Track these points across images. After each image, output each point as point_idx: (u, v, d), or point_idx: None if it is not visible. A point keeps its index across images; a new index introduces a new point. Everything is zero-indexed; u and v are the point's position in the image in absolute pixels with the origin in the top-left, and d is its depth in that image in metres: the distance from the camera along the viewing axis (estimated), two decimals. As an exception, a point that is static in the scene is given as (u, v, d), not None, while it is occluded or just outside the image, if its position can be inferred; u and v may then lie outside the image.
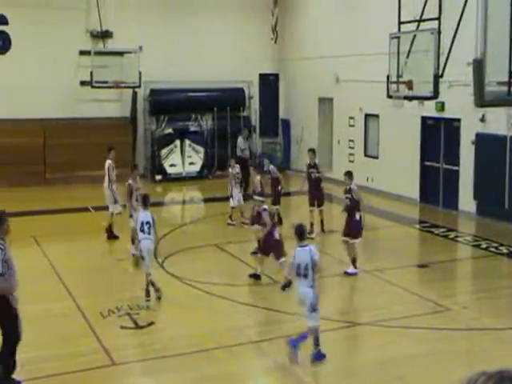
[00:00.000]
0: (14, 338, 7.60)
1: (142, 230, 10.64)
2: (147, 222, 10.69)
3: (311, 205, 15.04)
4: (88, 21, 22.32)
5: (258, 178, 14.82)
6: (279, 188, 15.59)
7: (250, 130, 22.08)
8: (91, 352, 8.57)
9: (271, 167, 15.81)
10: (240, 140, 20.08)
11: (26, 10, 21.55)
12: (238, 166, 16.13)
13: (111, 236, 14.59)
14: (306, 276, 8.31)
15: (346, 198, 12.39)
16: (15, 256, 13.74)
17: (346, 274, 11.90)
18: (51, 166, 21.64)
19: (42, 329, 9.60)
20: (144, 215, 10.80)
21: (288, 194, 18.83)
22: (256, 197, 12.91)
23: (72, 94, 22.16)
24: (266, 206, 12.16)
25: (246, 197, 15.87)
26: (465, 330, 9.54)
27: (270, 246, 11.62)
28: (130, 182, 13.58)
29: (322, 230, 15.06)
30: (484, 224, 15.89)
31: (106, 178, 14.92)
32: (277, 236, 11.66)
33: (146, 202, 11.00)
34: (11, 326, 7.58)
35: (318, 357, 8.34)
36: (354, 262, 11.98)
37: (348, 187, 12.43)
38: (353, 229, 12.13)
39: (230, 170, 16.15)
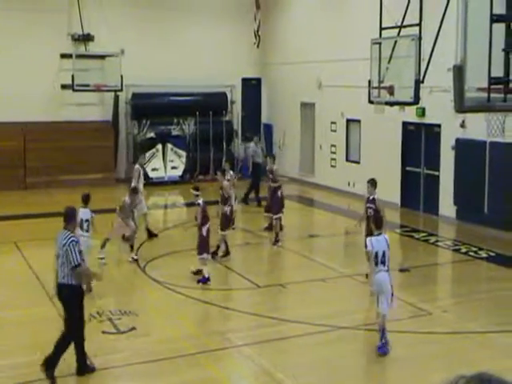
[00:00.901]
0: (79, 327, 8.06)
1: (81, 227, 10.98)
2: (86, 220, 11.21)
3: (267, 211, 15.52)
4: (69, 24, 22.24)
5: (226, 183, 14.24)
6: (279, 194, 14.91)
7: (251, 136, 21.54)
8: (72, 357, 8.50)
9: (224, 183, 13.86)
10: (252, 145, 19.95)
11: (7, 12, 21.40)
12: (231, 171, 15.45)
13: (151, 235, 15.04)
14: (383, 263, 8.92)
15: (369, 207, 11.60)
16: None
17: None
18: (32, 169, 21.47)
19: (22, 334, 9.53)
20: (83, 213, 11.12)
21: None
22: (193, 191, 12.10)
23: (53, 97, 22.04)
24: (200, 201, 11.94)
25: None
26: (445, 334, 9.61)
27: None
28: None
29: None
30: (464, 229, 16.04)
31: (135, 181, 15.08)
32: (204, 233, 11.74)
33: (86, 200, 11.40)
34: (77, 317, 8.04)
35: (383, 349, 8.74)
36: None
37: (372, 197, 11.67)
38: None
39: (224, 176, 14.30)
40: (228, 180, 14.13)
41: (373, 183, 11.74)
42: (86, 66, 20.84)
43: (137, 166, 15.58)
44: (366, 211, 11.68)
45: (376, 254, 8.95)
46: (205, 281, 11.57)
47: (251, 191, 19.09)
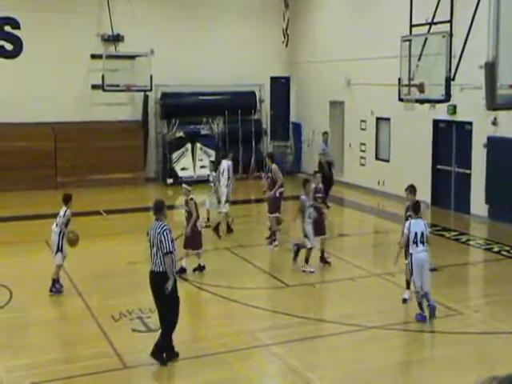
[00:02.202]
0: (174, 317, 8.43)
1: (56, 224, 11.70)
2: (60, 216, 11.82)
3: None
4: (99, 25, 22.48)
5: (275, 166, 14.81)
6: (274, 192, 14.34)
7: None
8: (103, 355, 8.60)
9: (273, 166, 14.45)
10: (322, 143, 19.44)
11: (38, 14, 21.72)
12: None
13: (219, 233, 15.10)
14: (422, 243, 9.69)
15: (409, 216, 10.39)
16: (29, 260, 13.85)
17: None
18: (63, 169, 21.75)
19: (53, 332, 9.67)
20: (62, 210, 11.81)
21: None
22: (184, 185, 12.57)
23: (83, 97, 22.30)
24: (192, 196, 12.21)
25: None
26: (477, 334, 9.48)
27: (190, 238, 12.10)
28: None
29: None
30: (496, 227, 15.81)
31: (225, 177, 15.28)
32: (199, 228, 12.20)
33: (66, 200, 12.01)
34: (172, 305, 8.40)
35: (421, 318, 9.74)
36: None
37: (410, 203, 10.61)
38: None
39: (272, 160, 14.71)
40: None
41: (412, 190, 10.84)
42: (115, 67, 21.04)
43: (228, 161, 15.55)
44: (406, 218, 10.50)
45: (415, 234, 9.65)
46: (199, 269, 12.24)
47: (329, 190, 18.18)
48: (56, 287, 11.29)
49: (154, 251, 8.41)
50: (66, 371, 8.22)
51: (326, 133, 19.65)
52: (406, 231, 9.75)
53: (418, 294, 9.81)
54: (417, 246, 9.67)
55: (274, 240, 14.33)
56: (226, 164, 15.49)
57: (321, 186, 13.07)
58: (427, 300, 9.83)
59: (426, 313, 9.83)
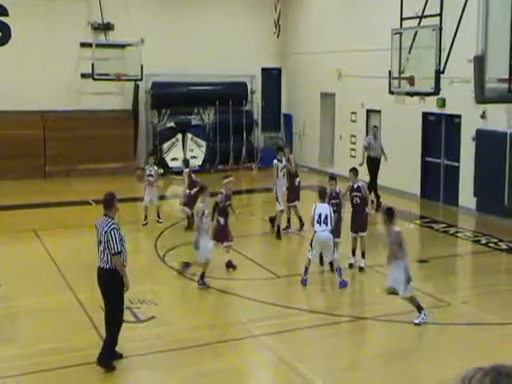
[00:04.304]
0: (120, 313, 8.22)
1: None
2: None
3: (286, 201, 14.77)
4: (89, 13, 22.32)
5: (187, 170, 14.88)
6: (296, 182, 14.80)
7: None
8: (92, 346, 8.59)
9: (291, 155, 15.04)
10: (369, 137, 18.08)
11: (27, 1, 21.55)
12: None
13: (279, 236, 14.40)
14: (325, 223, 10.89)
15: (355, 196, 12.11)
16: (16, 250, 13.82)
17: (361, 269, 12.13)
18: (52, 158, 21.62)
19: (42, 322, 9.66)
20: None
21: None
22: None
23: (73, 86, 22.16)
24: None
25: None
26: (465, 325, 9.60)
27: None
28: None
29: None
30: (484, 220, 15.95)
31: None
32: (222, 222, 11.84)
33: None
34: (118, 301, 8.18)
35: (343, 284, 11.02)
36: (364, 254, 12.14)
37: (356, 185, 12.13)
38: (363, 224, 12.20)
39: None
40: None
41: (355, 172, 12.32)
42: (105, 55, 20.92)
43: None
44: (351, 200, 12.19)
45: (319, 215, 10.90)
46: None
47: (375, 188, 17.48)
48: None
49: (102, 248, 8.10)
50: (56, 362, 8.24)
51: (375, 127, 18.32)
52: (311, 213, 11.01)
53: (308, 262, 11.03)
54: (320, 225, 10.89)
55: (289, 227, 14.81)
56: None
57: (337, 190, 12.19)
58: (338, 275, 11.07)
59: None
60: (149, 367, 8.46)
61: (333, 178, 12.44)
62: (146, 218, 15.34)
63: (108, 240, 7.98)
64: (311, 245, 11.16)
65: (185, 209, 14.68)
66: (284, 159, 14.66)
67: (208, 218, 11.16)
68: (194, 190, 13.81)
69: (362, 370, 8.41)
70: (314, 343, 9.23)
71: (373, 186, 17.38)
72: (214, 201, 11.87)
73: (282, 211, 14.41)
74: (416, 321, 9.40)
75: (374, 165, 17.70)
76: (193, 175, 14.93)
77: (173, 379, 8.10)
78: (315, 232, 11.04)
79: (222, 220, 11.75)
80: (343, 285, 11.05)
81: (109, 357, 8.09)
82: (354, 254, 12.25)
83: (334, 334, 9.38)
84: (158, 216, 15.49)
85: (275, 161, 14.58)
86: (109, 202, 8.23)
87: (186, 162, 15.71)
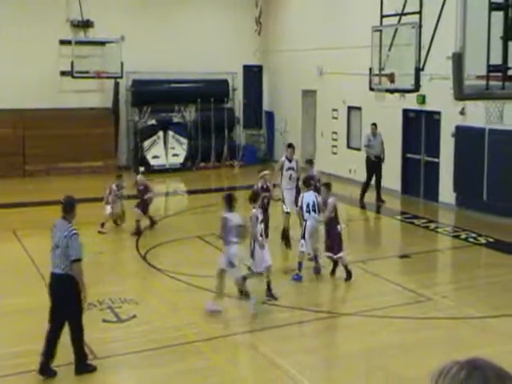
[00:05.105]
0: (80, 322, 7.87)
1: None
2: None
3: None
4: (68, 10, 22.12)
5: (139, 177, 14.87)
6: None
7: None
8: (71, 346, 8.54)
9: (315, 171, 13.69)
10: (367, 134, 17.58)
11: (6, -1, 21.33)
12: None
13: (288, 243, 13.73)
14: (314, 211, 11.26)
15: (311, 184, 11.79)
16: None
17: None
18: (31, 157, 21.41)
19: (21, 323, 9.55)
20: None
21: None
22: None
23: (52, 84, 21.95)
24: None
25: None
26: (445, 319, 9.69)
27: None
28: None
29: None
30: (463, 215, 16.10)
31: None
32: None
33: None
34: (78, 310, 7.83)
35: (297, 278, 11.16)
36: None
37: (311, 175, 12.63)
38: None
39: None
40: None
41: (311, 163, 13.31)
42: (85, 53, 20.79)
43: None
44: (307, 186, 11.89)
45: (308, 204, 11.19)
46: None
47: (365, 190, 17.38)
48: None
49: (58, 253, 7.74)
50: (35, 363, 8.11)
51: (373, 124, 17.49)
52: (299, 204, 11.42)
53: (302, 254, 11.17)
54: (309, 214, 11.24)
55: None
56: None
57: (314, 173, 13.03)
58: (316, 262, 11.40)
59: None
60: (130, 366, 8.44)
61: (308, 161, 13.64)
62: (115, 222, 14.95)
63: (68, 246, 7.68)
64: (303, 237, 11.23)
65: (135, 210, 14.47)
66: (294, 160, 13.62)
67: (262, 225, 10.29)
68: (148, 195, 14.46)
69: (343, 365, 8.46)
70: (296, 339, 9.27)
71: (366, 188, 17.31)
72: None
73: (288, 213, 13.25)
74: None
75: (372, 164, 17.32)
76: (145, 180, 15.00)
77: (155, 378, 8.08)
78: (306, 221, 11.24)
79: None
80: (317, 271, 11.48)
81: (85, 363, 7.94)
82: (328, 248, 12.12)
83: (316, 330, 9.42)
84: (115, 223, 14.94)
85: (283, 157, 13.78)
86: (69, 206, 8.02)
87: (137, 171, 15.97)
